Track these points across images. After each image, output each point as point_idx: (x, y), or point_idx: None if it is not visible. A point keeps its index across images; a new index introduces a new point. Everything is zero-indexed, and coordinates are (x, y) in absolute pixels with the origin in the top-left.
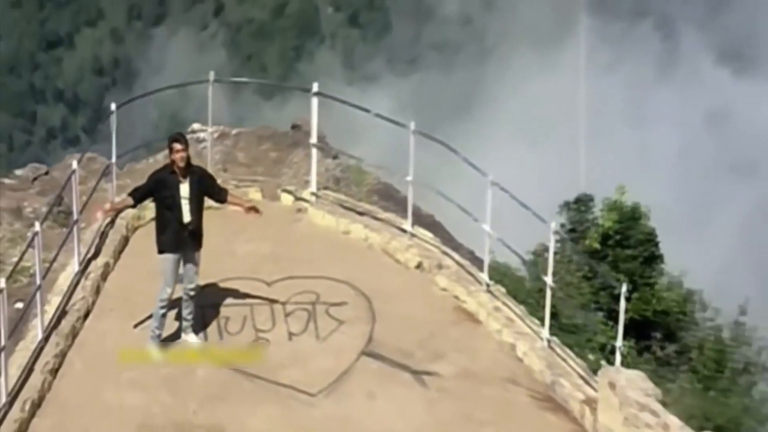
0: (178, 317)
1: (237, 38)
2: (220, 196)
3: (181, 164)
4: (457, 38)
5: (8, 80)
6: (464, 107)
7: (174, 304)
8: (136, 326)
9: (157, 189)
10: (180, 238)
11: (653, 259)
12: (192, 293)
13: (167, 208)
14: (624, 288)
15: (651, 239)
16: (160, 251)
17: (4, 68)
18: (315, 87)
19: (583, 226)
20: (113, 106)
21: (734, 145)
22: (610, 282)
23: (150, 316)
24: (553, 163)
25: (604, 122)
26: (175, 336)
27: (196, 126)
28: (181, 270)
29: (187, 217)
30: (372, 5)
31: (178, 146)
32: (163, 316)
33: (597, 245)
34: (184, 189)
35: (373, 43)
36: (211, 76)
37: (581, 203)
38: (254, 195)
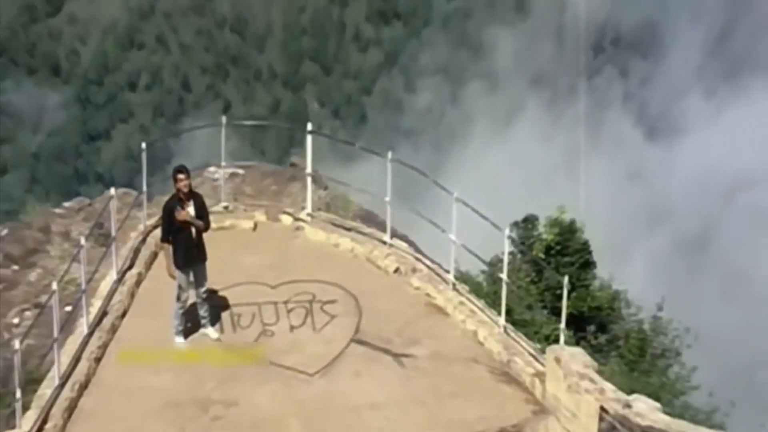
0: (196, 316)
1: (242, 129)
2: (207, 223)
3: (185, 190)
4: (424, 126)
5: (57, 167)
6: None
7: (191, 306)
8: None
9: (172, 218)
10: (191, 253)
11: (587, 265)
12: (204, 295)
13: (179, 230)
14: (566, 280)
15: (585, 248)
16: (177, 265)
17: (53, 157)
18: (309, 126)
19: (530, 240)
20: (143, 145)
21: (649, 196)
22: (555, 280)
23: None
24: (508, 208)
25: (546, 179)
26: (195, 330)
27: (211, 169)
28: (191, 278)
29: (194, 233)
30: (350, 101)
31: (181, 176)
32: (182, 315)
33: (542, 255)
34: (190, 211)
35: (353, 131)
36: (224, 119)
37: (528, 222)
38: (260, 217)
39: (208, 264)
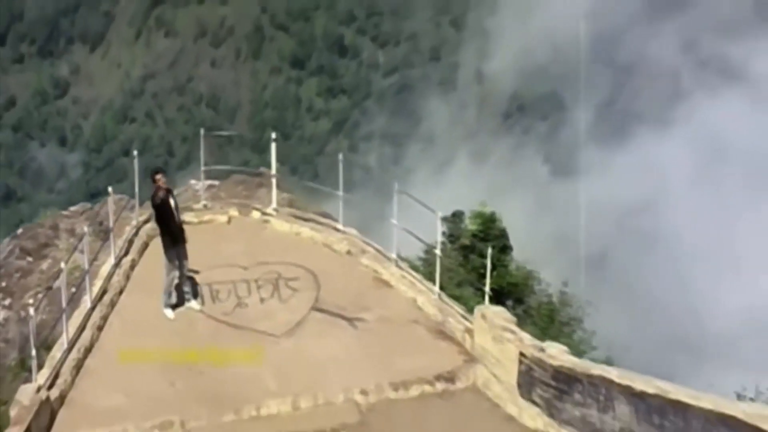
0: (182, 293)
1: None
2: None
3: (163, 187)
4: (370, 179)
5: None
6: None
7: (177, 285)
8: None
9: (161, 211)
10: (175, 238)
11: (505, 248)
12: (188, 273)
13: (165, 219)
14: (490, 250)
15: (503, 235)
16: (165, 246)
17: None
18: (273, 135)
19: (458, 231)
20: (135, 152)
21: (556, 222)
22: (480, 262)
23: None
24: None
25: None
26: (181, 304)
27: (192, 181)
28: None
29: (177, 221)
30: (305, 160)
31: (159, 176)
32: (170, 292)
33: (467, 242)
34: (171, 204)
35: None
36: (201, 131)
37: (456, 216)
38: (233, 213)
39: (192, 251)
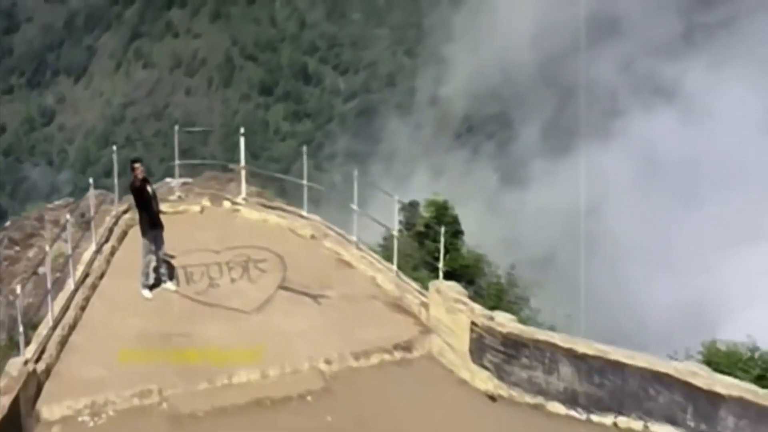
0: (159, 275)
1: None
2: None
3: (141, 176)
4: (334, 195)
5: None
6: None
7: (154, 268)
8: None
9: (139, 197)
10: (153, 221)
11: (457, 233)
12: (164, 257)
13: (143, 205)
14: (443, 229)
15: (455, 221)
16: (143, 233)
17: None
18: (242, 130)
19: (414, 220)
20: (114, 147)
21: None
22: (434, 246)
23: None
24: None
25: None
26: (157, 285)
27: (168, 179)
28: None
29: (154, 208)
30: (273, 178)
31: (137, 165)
32: (147, 274)
33: (423, 229)
34: (149, 191)
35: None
36: (176, 127)
37: (412, 206)
38: (206, 203)
39: (168, 238)
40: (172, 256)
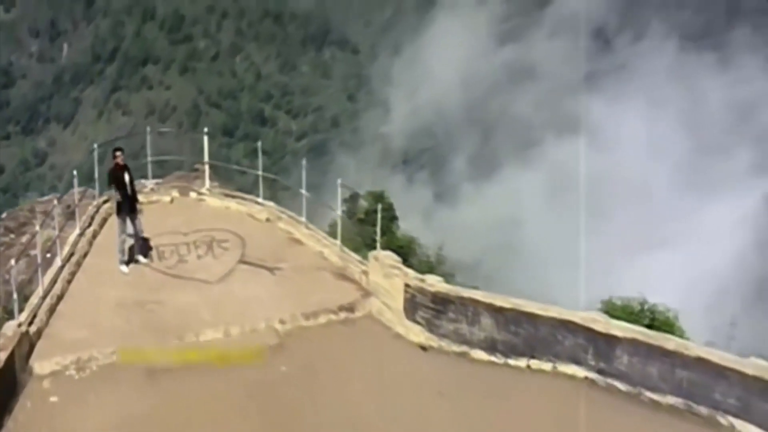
0: (133, 253)
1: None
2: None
3: (121, 163)
4: None
5: None
6: None
7: (129, 247)
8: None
9: (115, 180)
10: (126, 206)
11: (393, 219)
12: (140, 236)
13: (119, 189)
14: (380, 206)
15: (391, 208)
16: (118, 214)
17: None
18: (205, 130)
19: (355, 209)
20: (95, 145)
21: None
22: (373, 231)
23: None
24: None
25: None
26: (132, 260)
27: (143, 181)
28: (130, 227)
29: (128, 192)
30: None
31: (118, 153)
32: (123, 250)
33: (363, 215)
34: (126, 177)
35: None
36: (147, 129)
37: (352, 198)
38: (175, 194)
39: (142, 223)
40: (146, 239)
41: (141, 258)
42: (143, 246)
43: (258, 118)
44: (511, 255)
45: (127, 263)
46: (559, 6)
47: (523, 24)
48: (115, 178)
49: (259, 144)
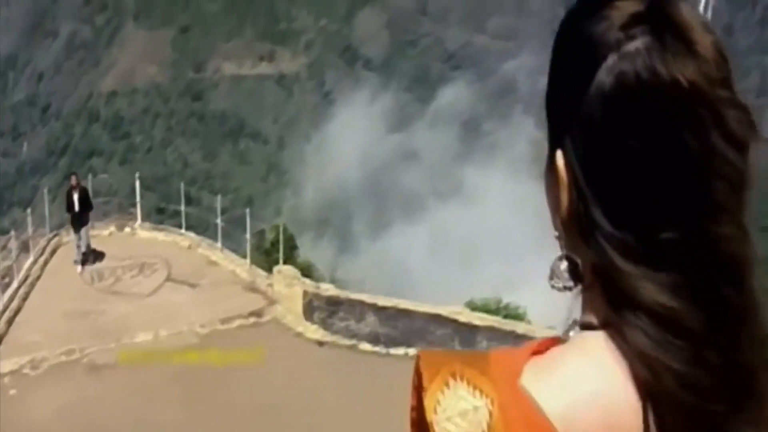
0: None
1: None
2: (90, 205)
3: (74, 185)
4: None
5: None
6: None
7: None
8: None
9: (67, 198)
10: (76, 220)
11: (293, 248)
12: (84, 245)
13: (70, 207)
14: (281, 227)
15: (292, 239)
16: (71, 224)
17: None
18: (137, 174)
19: (261, 243)
20: (45, 190)
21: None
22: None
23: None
24: None
25: None
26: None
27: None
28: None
29: (77, 209)
30: None
31: (72, 177)
32: (78, 255)
33: (269, 246)
34: (75, 197)
35: None
36: (90, 178)
37: (259, 233)
38: (112, 228)
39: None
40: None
41: (79, 266)
42: (85, 254)
43: (185, 198)
44: (398, 291)
45: (82, 264)
46: (439, 101)
47: (408, 115)
48: (67, 197)
49: (182, 186)
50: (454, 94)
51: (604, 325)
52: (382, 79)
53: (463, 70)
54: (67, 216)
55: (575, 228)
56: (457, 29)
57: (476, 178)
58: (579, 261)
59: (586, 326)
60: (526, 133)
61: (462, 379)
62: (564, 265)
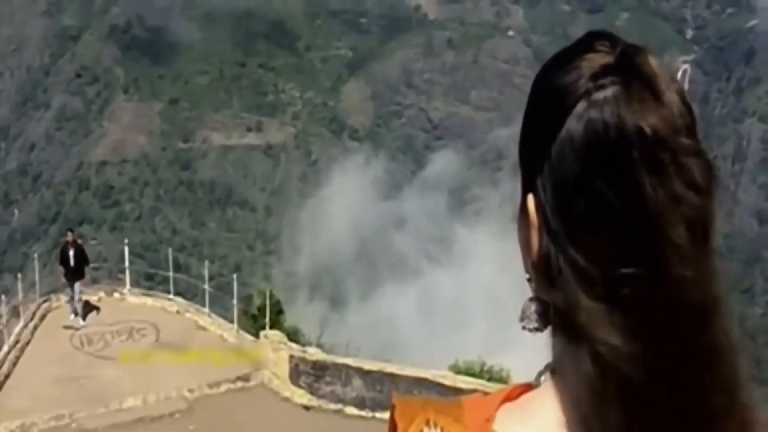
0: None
1: None
2: (87, 260)
3: (70, 240)
4: None
5: None
6: None
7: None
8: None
9: (62, 254)
10: (70, 275)
11: (280, 312)
12: (76, 298)
13: (65, 261)
14: (269, 291)
15: (279, 304)
16: (65, 277)
17: None
18: (126, 240)
19: (248, 307)
20: (36, 254)
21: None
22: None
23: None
24: None
25: None
26: (76, 313)
27: None
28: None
29: (72, 264)
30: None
31: (69, 233)
32: (72, 308)
33: (256, 311)
34: (71, 252)
35: None
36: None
37: (247, 298)
38: (101, 294)
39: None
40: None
41: (72, 317)
42: (79, 307)
43: (174, 265)
44: (388, 351)
45: (75, 314)
46: (427, 170)
47: (399, 184)
48: (62, 252)
49: (170, 252)
50: (441, 163)
51: (552, 372)
52: (370, 149)
53: (448, 140)
54: (61, 269)
55: (544, 269)
56: (441, 101)
57: (465, 241)
58: (550, 303)
59: (553, 371)
60: (513, 197)
61: (436, 426)
62: (534, 306)
